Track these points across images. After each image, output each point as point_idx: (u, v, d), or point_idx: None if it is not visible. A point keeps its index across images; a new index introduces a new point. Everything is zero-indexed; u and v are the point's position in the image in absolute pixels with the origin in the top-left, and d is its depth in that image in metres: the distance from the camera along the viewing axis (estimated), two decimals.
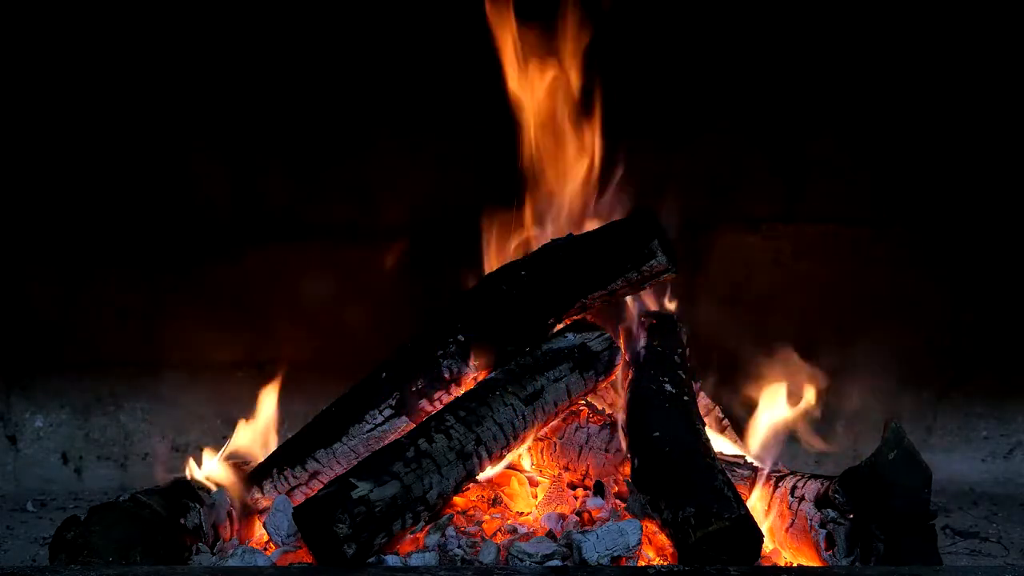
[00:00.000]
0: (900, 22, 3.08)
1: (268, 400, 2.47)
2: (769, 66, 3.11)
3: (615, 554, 1.98)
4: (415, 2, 3.05)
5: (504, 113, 2.68)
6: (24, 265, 3.16)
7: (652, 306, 2.56)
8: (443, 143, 3.10)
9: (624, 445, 2.28)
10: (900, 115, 3.14)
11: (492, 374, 2.28)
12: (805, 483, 2.12)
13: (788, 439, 2.44)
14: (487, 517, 2.19)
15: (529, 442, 2.31)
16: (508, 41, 2.61)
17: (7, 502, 3.01)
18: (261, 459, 2.37)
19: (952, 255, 3.19)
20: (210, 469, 2.29)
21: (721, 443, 2.47)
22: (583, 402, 2.38)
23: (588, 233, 2.43)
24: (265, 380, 2.51)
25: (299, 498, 2.19)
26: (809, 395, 2.46)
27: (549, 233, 2.53)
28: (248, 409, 2.48)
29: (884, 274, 3.19)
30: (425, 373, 2.31)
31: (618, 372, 2.38)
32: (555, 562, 1.97)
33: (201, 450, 2.36)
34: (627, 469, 2.22)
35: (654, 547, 2.09)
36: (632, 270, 2.30)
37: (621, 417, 2.33)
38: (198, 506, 2.16)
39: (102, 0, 3.02)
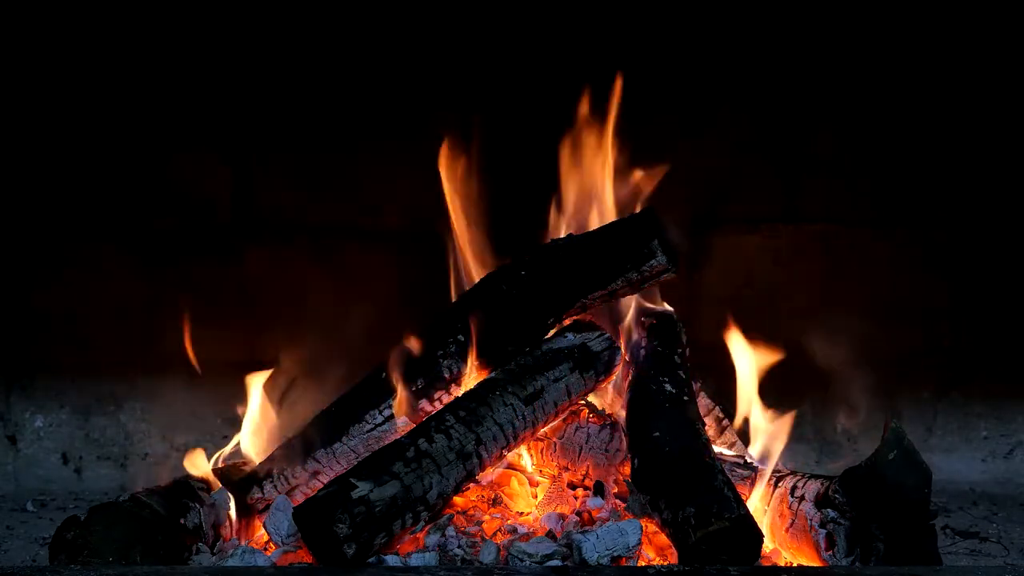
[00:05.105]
0: (900, 22, 3.08)
1: (268, 400, 2.47)
2: (769, 66, 3.11)
3: (615, 554, 1.98)
4: (415, 6, 3.05)
5: (503, 114, 2.69)
6: (25, 265, 3.16)
7: (652, 306, 2.56)
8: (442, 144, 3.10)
9: (624, 445, 2.28)
10: (901, 115, 3.14)
11: (492, 374, 2.28)
12: (805, 483, 2.12)
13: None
14: (487, 517, 2.19)
15: (529, 442, 2.31)
16: None
17: (7, 502, 3.01)
18: (261, 459, 2.37)
19: (952, 255, 3.19)
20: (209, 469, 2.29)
21: (721, 443, 2.47)
22: (583, 402, 2.38)
23: (588, 233, 2.43)
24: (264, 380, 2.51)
25: (299, 498, 2.19)
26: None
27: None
28: (248, 410, 2.48)
29: (884, 274, 3.20)
30: (425, 373, 2.31)
31: (618, 372, 2.38)
32: (555, 562, 1.97)
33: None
34: (627, 469, 2.21)
35: (654, 547, 2.09)
36: (632, 270, 2.30)
37: (621, 417, 2.33)
38: (198, 506, 2.16)
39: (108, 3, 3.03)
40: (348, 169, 3.15)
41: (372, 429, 2.28)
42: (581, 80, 2.63)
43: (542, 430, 2.31)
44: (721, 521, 1.89)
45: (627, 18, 3.06)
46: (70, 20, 3.06)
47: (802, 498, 2.09)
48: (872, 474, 1.96)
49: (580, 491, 2.32)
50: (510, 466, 2.36)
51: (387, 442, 2.18)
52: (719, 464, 2.08)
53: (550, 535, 2.09)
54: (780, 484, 2.17)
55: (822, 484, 2.07)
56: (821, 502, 2.03)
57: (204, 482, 2.27)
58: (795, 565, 2.06)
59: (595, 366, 2.32)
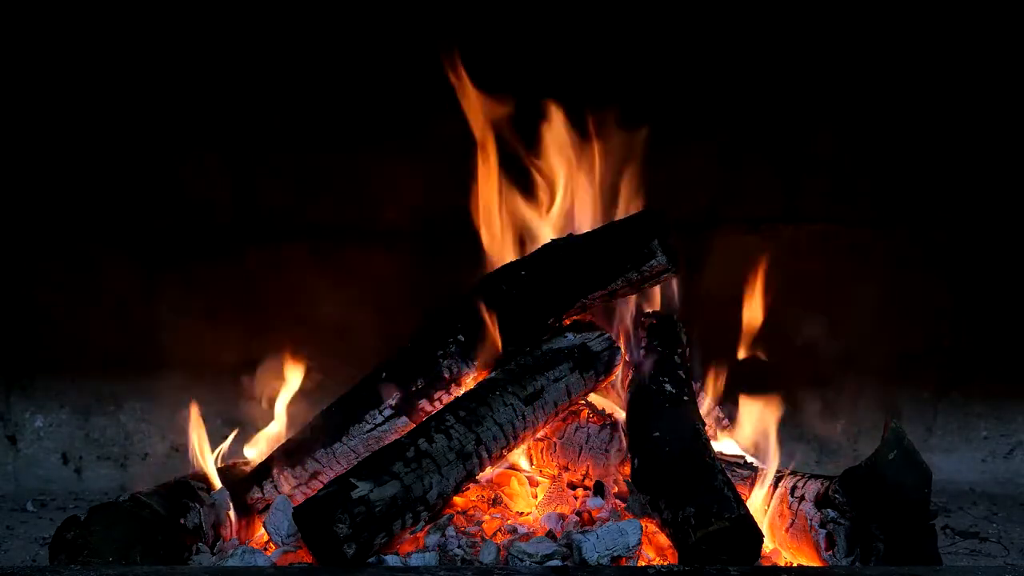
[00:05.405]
0: (900, 22, 3.08)
1: (268, 400, 2.48)
2: (769, 66, 3.11)
3: (615, 554, 1.98)
4: (414, 9, 3.05)
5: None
6: (25, 265, 3.16)
7: (652, 306, 2.56)
8: (442, 144, 3.10)
9: (624, 445, 2.28)
10: (900, 115, 3.14)
11: (492, 374, 2.28)
12: (805, 483, 2.12)
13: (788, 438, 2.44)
14: (487, 517, 2.19)
15: (529, 442, 2.31)
16: None
17: (7, 502, 3.01)
18: (261, 459, 2.37)
19: (952, 256, 3.19)
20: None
21: (721, 443, 2.47)
22: (583, 402, 2.38)
23: (588, 233, 2.43)
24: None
25: (299, 498, 2.19)
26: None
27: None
28: (248, 410, 2.49)
29: (884, 274, 3.19)
30: (425, 373, 2.31)
31: (618, 372, 2.38)
32: (555, 562, 1.97)
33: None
34: (627, 469, 2.22)
35: (654, 547, 2.09)
36: (632, 270, 2.30)
37: (621, 417, 2.33)
38: (198, 506, 2.16)
39: (109, 5, 3.03)
40: (348, 169, 3.15)
41: (372, 429, 2.28)
42: (581, 76, 2.64)
43: (542, 430, 2.31)
44: (721, 521, 1.89)
45: (629, 20, 3.06)
46: (74, 24, 3.06)
47: (802, 498, 2.09)
48: (872, 474, 1.96)
49: (580, 491, 2.32)
50: (510, 466, 2.36)
51: (387, 442, 2.18)
52: (719, 464, 2.08)
53: (550, 535, 2.09)
54: (780, 484, 2.17)
55: (822, 484, 2.07)
56: (821, 502, 2.03)
57: (204, 482, 2.27)
58: (795, 565, 2.06)
59: (595, 366, 2.32)
